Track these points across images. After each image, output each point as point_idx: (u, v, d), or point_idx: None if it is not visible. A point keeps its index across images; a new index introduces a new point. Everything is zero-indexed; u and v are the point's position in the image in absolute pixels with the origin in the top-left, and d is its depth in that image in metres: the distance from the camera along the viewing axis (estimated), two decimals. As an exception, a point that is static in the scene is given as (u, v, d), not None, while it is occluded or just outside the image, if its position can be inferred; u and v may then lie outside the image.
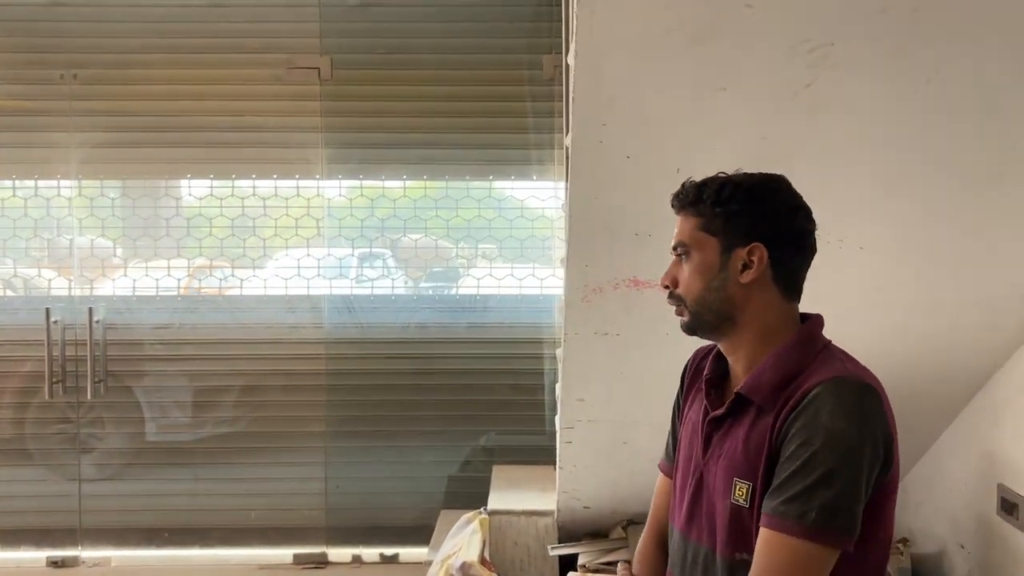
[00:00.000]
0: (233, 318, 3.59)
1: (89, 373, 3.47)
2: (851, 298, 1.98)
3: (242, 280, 3.61)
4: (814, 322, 1.46)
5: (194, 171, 3.60)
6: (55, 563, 3.54)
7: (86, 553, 3.57)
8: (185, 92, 3.48)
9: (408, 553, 3.59)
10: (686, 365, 1.63)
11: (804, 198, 1.47)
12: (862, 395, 1.31)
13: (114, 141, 3.51)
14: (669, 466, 1.64)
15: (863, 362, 1.42)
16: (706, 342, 1.55)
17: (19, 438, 3.57)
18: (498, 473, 3.38)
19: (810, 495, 1.26)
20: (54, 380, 3.48)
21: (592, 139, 1.58)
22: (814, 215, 1.49)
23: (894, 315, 2.08)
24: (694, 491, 1.46)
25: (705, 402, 1.49)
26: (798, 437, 1.29)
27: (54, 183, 3.54)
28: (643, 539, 1.66)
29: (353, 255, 3.65)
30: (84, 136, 3.49)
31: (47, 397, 3.47)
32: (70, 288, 3.58)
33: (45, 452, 3.60)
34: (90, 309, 3.48)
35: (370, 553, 3.61)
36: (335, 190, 3.59)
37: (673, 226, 1.47)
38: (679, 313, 1.46)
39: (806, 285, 1.51)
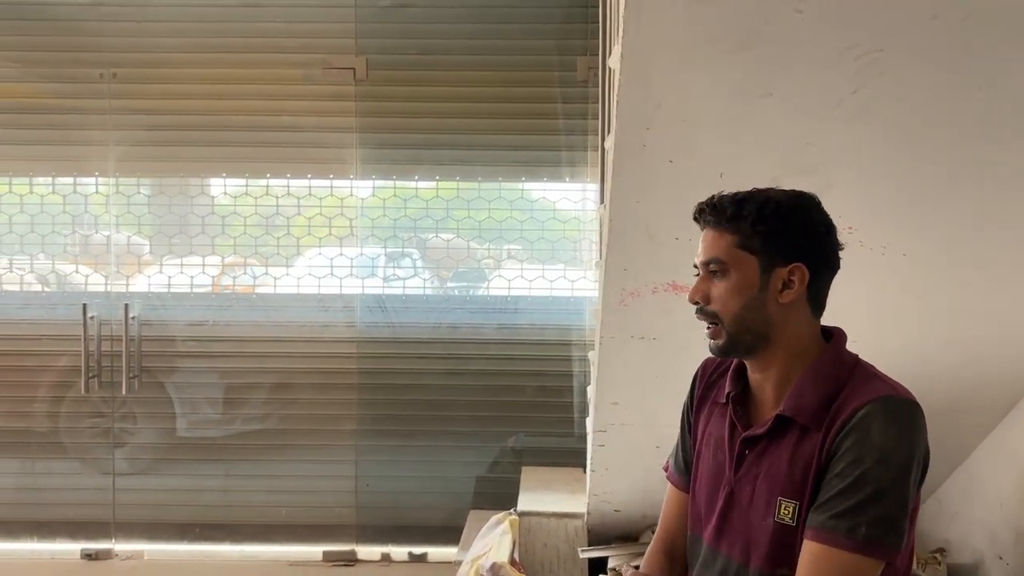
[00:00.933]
0: (266, 316, 3.61)
1: (124, 368, 3.52)
2: (892, 305, 1.97)
3: (276, 278, 3.63)
4: (840, 338, 1.46)
5: (229, 169, 3.63)
6: (89, 555, 3.58)
7: (119, 546, 3.61)
8: (221, 91, 3.51)
9: (437, 552, 3.60)
10: (695, 377, 1.63)
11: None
12: (911, 414, 1.33)
13: (151, 139, 3.55)
14: (681, 479, 1.63)
15: (900, 373, 1.43)
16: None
17: (55, 432, 3.62)
18: (527, 474, 3.38)
19: (860, 511, 1.27)
20: (90, 375, 3.52)
21: (635, 143, 1.58)
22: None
23: (936, 323, 2.06)
24: (724, 507, 1.46)
25: (732, 419, 1.48)
26: (849, 455, 1.30)
27: (92, 180, 3.58)
28: (652, 548, 1.65)
29: (383, 254, 3.66)
30: (122, 134, 3.53)
31: (83, 392, 3.52)
32: (106, 284, 3.62)
33: (80, 446, 3.64)
34: (126, 305, 3.52)
35: (399, 552, 3.63)
36: (368, 189, 3.61)
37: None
38: (714, 335, 1.43)
39: (847, 292, 1.50)
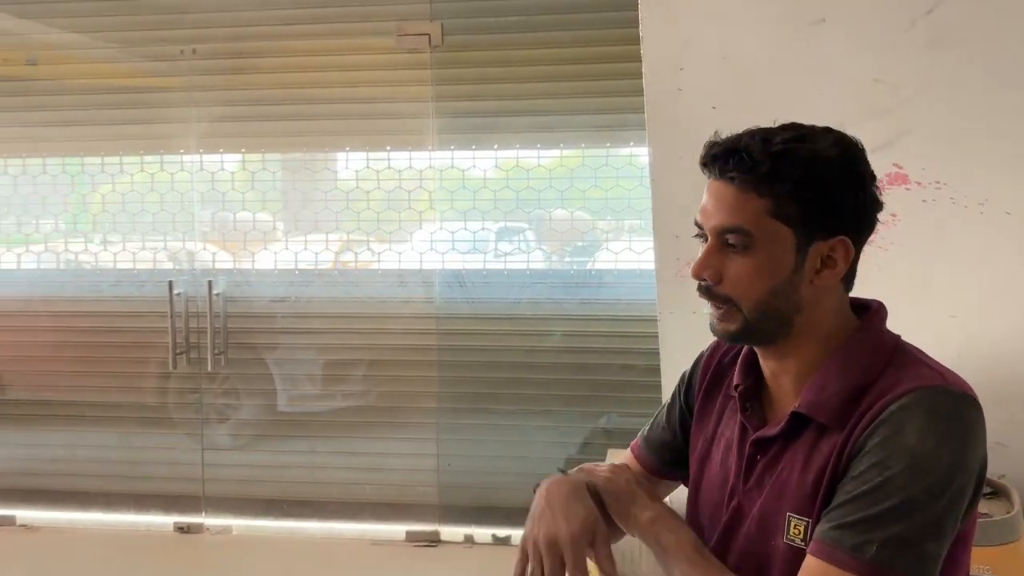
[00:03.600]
0: (345, 292, 3.57)
1: (209, 345, 3.54)
2: (996, 275, 1.67)
3: (379, 254, 3.57)
4: (877, 314, 1.16)
5: (309, 144, 3.60)
6: (181, 528, 3.65)
7: (209, 520, 3.66)
8: (295, 64, 3.46)
9: (521, 535, 3.46)
10: (698, 362, 1.35)
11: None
12: (961, 411, 1.04)
13: (230, 115, 3.55)
14: (649, 458, 1.38)
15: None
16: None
17: (147, 407, 3.70)
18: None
19: (874, 524, 1.00)
20: (177, 351, 3.57)
21: (669, 87, 1.36)
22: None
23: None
24: (728, 522, 1.19)
25: (741, 418, 1.21)
26: (872, 456, 1.02)
27: (176, 158, 3.61)
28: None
29: (464, 228, 3.53)
30: (203, 111, 3.54)
31: (171, 368, 3.57)
32: (193, 260, 3.65)
33: (171, 421, 3.71)
34: (209, 282, 3.54)
35: (482, 533, 3.52)
36: (466, 162, 3.47)
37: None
38: (724, 318, 1.13)
39: (935, 263, 1.25)
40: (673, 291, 1.80)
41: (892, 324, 1.20)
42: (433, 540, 3.53)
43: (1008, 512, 1.82)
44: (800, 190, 1.08)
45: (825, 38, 1.29)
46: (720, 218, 1.11)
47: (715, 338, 1.28)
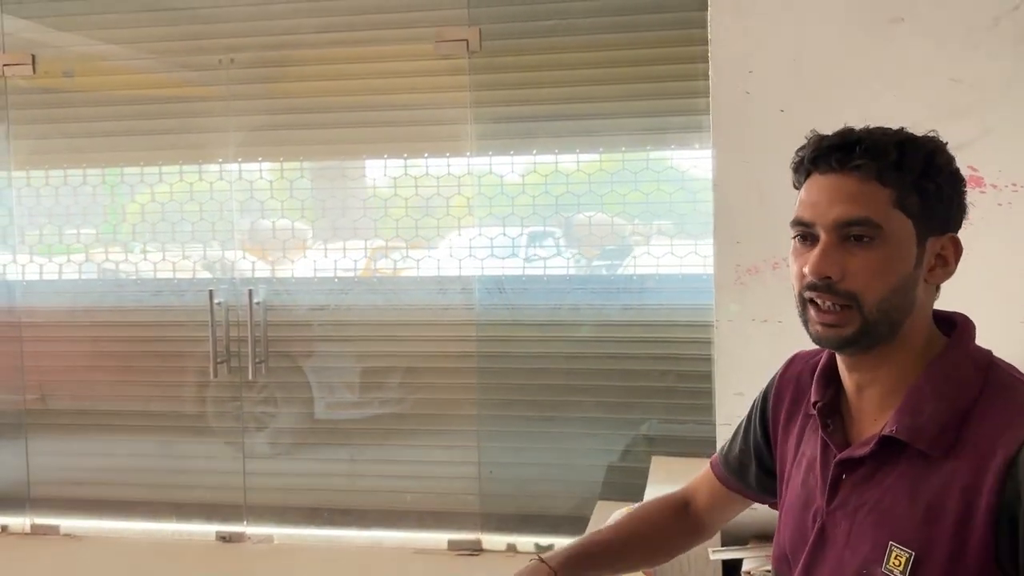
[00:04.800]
0: (385, 300, 3.55)
1: (250, 353, 3.54)
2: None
3: (418, 260, 3.55)
4: (967, 329, 1.12)
5: (347, 152, 3.60)
6: (224, 538, 3.64)
7: (251, 529, 3.66)
8: (334, 72, 3.45)
9: (563, 544, 3.42)
10: (773, 382, 1.31)
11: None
12: None
13: (269, 124, 3.55)
14: (728, 477, 1.37)
15: None
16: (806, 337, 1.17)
17: (189, 415, 3.70)
18: (657, 465, 3.15)
19: None
20: (218, 360, 3.57)
21: (737, 90, 1.33)
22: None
23: None
24: (815, 543, 1.15)
25: (822, 435, 1.16)
26: None
27: (216, 167, 3.61)
28: (667, 498, 1.41)
29: (504, 233, 3.50)
30: (241, 120, 3.54)
31: (212, 376, 3.57)
32: (233, 269, 3.66)
33: (212, 429, 3.71)
34: (249, 291, 3.53)
35: (524, 542, 3.48)
36: (486, 166, 3.45)
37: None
38: (840, 321, 1.07)
39: (1008, 263, 1.21)
40: (735, 298, 1.76)
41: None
42: (475, 549, 3.50)
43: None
44: (922, 181, 1.06)
45: (902, 38, 1.25)
46: (842, 210, 1.06)
47: (789, 353, 1.26)
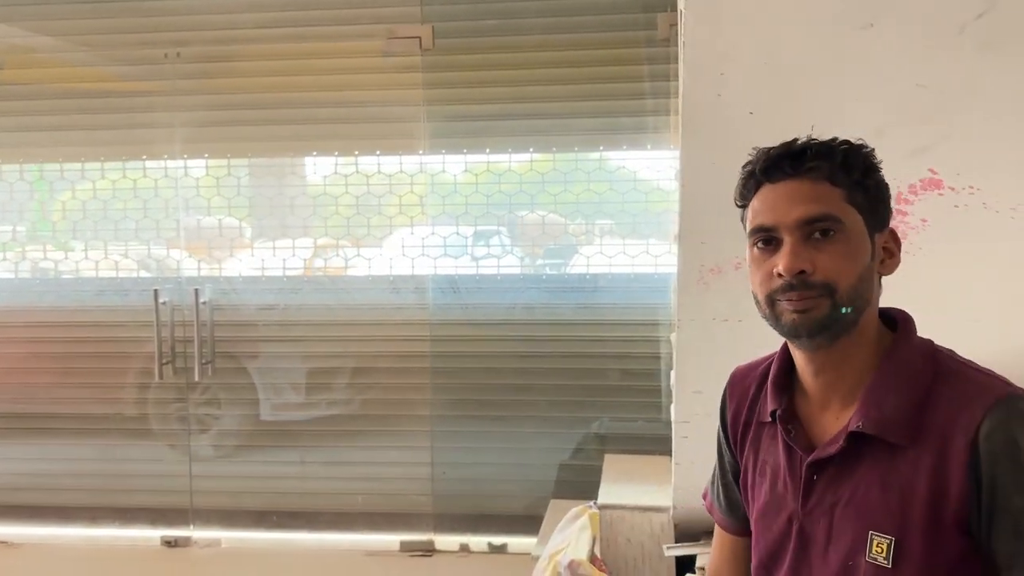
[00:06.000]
0: (337, 299, 3.51)
1: (196, 354, 3.46)
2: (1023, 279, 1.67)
3: (370, 259, 3.51)
4: (909, 321, 1.20)
5: (295, 148, 3.54)
6: (169, 542, 3.56)
7: (197, 533, 3.58)
8: (283, 68, 3.40)
9: (517, 543, 3.43)
10: (725, 394, 1.36)
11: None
12: None
13: (216, 120, 3.47)
14: (730, 522, 1.38)
15: (997, 367, 1.17)
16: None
17: (132, 418, 3.60)
18: (610, 463, 3.17)
19: None
20: (163, 361, 3.48)
21: (708, 92, 1.34)
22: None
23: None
24: (797, 547, 1.19)
25: (787, 441, 1.20)
26: (1018, 488, 1.03)
27: (161, 163, 3.53)
28: None
29: (456, 232, 3.49)
30: (187, 115, 3.46)
31: (157, 378, 3.48)
32: (178, 268, 3.57)
33: (156, 432, 3.62)
34: (195, 290, 3.46)
35: (478, 542, 3.48)
36: (438, 165, 3.44)
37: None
38: (812, 307, 1.12)
39: (966, 269, 1.25)
40: (697, 298, 1.78)
41: (919, 329, 1.22)
42: (428, 550, 3.48)
43: None
44: (864, 180, 1.14)
45: (871, 43, 1.28)
46: (804, 210, 1.12)
47: (749, 352, 1.30)
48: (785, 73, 1.35)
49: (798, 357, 1.21)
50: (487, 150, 3.41)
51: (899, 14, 1.26)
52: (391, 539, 3.50)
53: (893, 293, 1.24)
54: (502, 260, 3.48)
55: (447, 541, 3.49)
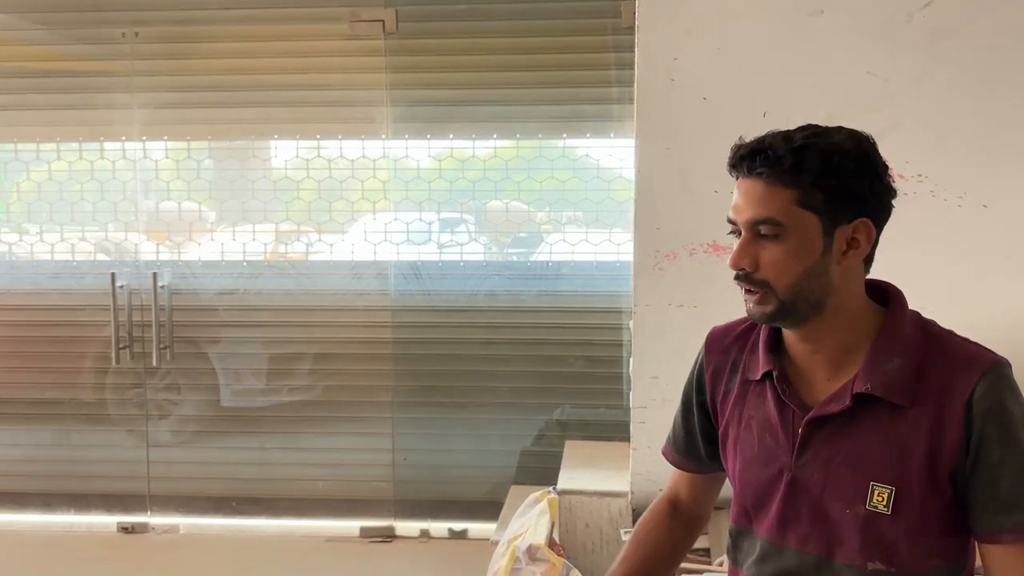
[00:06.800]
0: (297, 284, 3.48)
1: (154, 339, 3.42)
2: (971, 266, 1.70)
3: (331, 245, 3.49)
4: (900, 294, 1.28)
5: (258, 132, 3.50)
6: (125, 529, 3.52)
7: (155, 519, 3.55)
8: (245, 50, 3.36)
9: (477, 529, 3.45)
10: (702, 352, 1.42)
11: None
12: (1012, 374, 1.20)
13: (175, 101, 3.42)
14: (686, 462, 1.48)
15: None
16: (722, 321, 1.34)
17: (88, 403, 3.56)
18: (571, 449, 3.19)
19: None
20: (121, 345, 3.44)
21: (662, 77, 1.35)
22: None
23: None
24: (786, 495, 1.27)
25: (780, 399, 1.27)
26: (999, 443, 1.16)
27: (118, 145, 3.47)
28: (653, 504, 1.51)
29: (420, 219, 3.48)
30: (146, 96, 3.40)
31: (114, 363, 3.44)
32: (136, 251, 3.52)
33: (113, 418, 3.58)
34: (154, 274, 3.41)
35: (438, 527, 3.49)
36: (402, 150, 3.42)
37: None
38: (761, 301, 1.22)
39: (915, 253, 1.27)
40: (653, 284, 1.79)
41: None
42: (388, 535, 3.48)
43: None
44: (821, 180, 1.17)
45: (822, 30, 1.29)
46: (752, 211, 1.20)
47: (703, 337, 1.33)
48: (737, 58, 1.35)
49: None
50: (451, 136, 3.40)
51: (849, 1, 1.27)
52: (351, 525, 3.49)
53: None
54: (466, 247, 3.47)
55: (407, 527, 3.49)
